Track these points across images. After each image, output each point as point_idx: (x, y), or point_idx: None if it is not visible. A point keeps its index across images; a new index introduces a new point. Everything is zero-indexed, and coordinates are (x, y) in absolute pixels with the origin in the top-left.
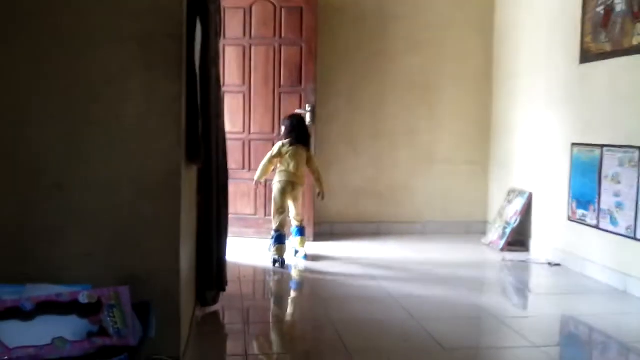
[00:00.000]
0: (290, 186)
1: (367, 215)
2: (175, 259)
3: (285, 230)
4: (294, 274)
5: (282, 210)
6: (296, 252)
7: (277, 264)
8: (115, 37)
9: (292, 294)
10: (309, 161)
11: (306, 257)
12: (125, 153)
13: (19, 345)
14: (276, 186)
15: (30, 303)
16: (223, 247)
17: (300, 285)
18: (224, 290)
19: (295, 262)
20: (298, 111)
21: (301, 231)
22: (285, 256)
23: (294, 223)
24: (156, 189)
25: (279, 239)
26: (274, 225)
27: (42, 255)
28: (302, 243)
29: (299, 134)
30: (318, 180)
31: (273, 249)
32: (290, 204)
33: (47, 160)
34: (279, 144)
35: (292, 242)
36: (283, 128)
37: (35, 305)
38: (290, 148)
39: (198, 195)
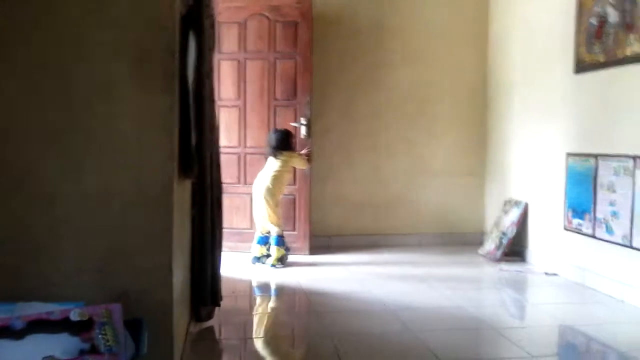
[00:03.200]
0: (259, 188)
1: (364, 228)
2: (168, 274)
3: (266, 234)
4: (289, 286)
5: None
6: (272, 264)
7: (256, 262)
8: (108, 50)
9: (289, 308)
10: (290, 161)
11: (275, 266)
12: (117, 167)
13: None
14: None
15: (21, 322)
16: (218, 262)
17: (297, 299)
18: (219, 305)
19: (282, 277)
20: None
21: (276, 240)
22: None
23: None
24: (149, 203)
25: (260, 240)
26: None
27: (32, 272)
28: (276, 253)
29: (275, 145)
30: (306, 156)
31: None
32: (263, 208)
33: (38, 174)
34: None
35: (271, 250)
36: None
37: (25, 324)
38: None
39: (192, 210)
